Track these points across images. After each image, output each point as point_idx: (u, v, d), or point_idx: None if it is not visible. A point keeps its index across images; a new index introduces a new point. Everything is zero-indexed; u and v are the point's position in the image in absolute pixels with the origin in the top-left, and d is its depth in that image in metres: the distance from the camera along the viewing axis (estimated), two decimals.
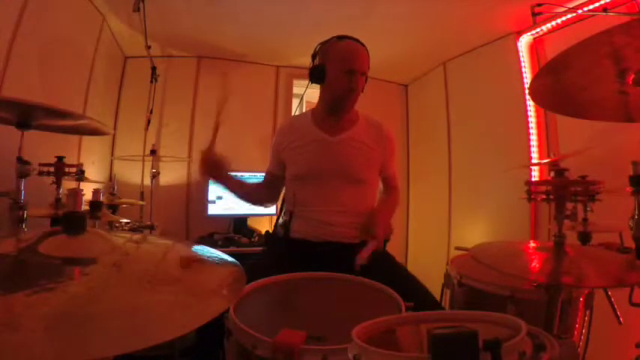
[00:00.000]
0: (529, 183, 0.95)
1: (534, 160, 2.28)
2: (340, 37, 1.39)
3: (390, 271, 1.26)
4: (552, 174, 0.91)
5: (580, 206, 1.39)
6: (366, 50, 1.39)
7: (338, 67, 1.35)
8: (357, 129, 1.41)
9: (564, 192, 0.88)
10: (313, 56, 1.42)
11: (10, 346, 0.40)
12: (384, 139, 1.43)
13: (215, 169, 1.39)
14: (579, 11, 1.88)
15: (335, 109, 1.41)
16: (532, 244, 1.11)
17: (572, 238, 1.20)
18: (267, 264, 1.29)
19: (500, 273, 0.83)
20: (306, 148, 1.40)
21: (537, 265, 0.91)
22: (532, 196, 0.93)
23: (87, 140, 2.29)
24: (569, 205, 0.92)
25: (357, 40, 1.39)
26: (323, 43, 1.41)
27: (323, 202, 1.35)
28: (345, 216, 1.34)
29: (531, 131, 2.31)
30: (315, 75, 1.39)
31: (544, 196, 0.90)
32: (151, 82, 2.61)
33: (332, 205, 1.34)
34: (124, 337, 0.45)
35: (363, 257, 1.04)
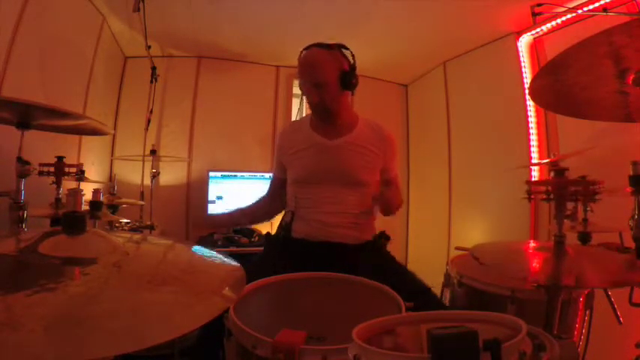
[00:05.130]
0: (529, 183, 0.95)
1: (534, 160, 2.28)
2: (306, 47, 1.35)
3: (392, 271, 1.26)
4: (552, 174, 0.91)
5: (580, 206, 1.39)
6: (330, 54, 1.32)
7: (301, 81, 1.35)
8: (356, 133, 1.40)
9: (564, 192, 0.88)
10: None
11: (10, 346, 0.39)
12: (384, 141, 1.41)
13: (211, 226, 1.47)
14: (579, 11, 1.88)
15: (320, 119, 1.41)
16: (532, 244, 1.11)
17: (572, 238, 1.20)
18: (267, 264, 1.30)
19: (500, 273, 0.83)
20: (305, 152, 1.40)
21: (537, 266, 0.91)
22: (532, 196, 0.93)
23: (87, 140, 2.29)
24: (570, 205, 0.92)
25: (324, 45, 1.33)
26: (300, 55, 1.37)
27: (323, 203, 1.35)
28: (345, 217, 1.34)
29: (531, 131, 2.31)
30: (300, 88, 1.40)
31: (544, 196, 0.90)
32: (151, 82, 2.60)
33: (332, 207, 1.34)
34: (124, 337, 0.45)
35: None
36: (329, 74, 1.31)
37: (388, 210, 1.33)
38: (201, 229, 1.45)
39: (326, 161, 1.36)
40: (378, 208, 1.41)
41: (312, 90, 1.31)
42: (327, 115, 1.38)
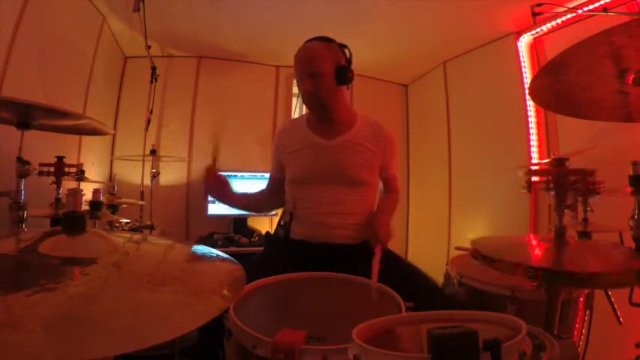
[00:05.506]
0: (529, 172, 0.94)
1: (534, 160, 2.28)
2: (305, 42, 1.36)
3: (393, 270, 1.26)
4: (552, 163, 0.90)
5: (580, 206, 1.39)
6: (327, 46, 1.33)
7: (295, 74, 1.34)
8: (354, 131, 1.38)
9: (564, 181, 0.88)
10: None
11: (10, 346, 0.39)
12: (383, 139, 1.39)
13: (218, 188, 1.41)
14: (579, 11, 1.88)
15: (314, 115, 1.40)
16: (533, 239, 1.11)
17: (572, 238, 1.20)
18: (267, 265, 1.29)
19: (502, 264, 0.82)
20: (302, 152, 1.39)
21: (540, 254, 0.91)
22: (532, 186, 0.92)
23: (87, 140, 2.29)
24: (570, 199, 0.92)
25: (321, 39, 1.35)
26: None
27: (322, 204, 1.34)
28: (344, 217, 1.33)
29: (531, 131, 2.31)
30: (297, 85, 1.40)
31: (544, 186, 0.89)
32: (151, 82, 2.60)
33: (331, 207, 1.33)
34: (124, 337, 0.45)
35: (375, 281, 1.02)
36: (325, 65, 1.30)
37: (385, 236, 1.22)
38: (215, 193, 1.42)
39: (323, 161, 1.35)
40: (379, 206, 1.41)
41: (307, 79, 1.29)
42: (322, 110, 1.35)
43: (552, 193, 0.90)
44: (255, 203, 1.59)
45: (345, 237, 1.32)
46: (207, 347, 0.98)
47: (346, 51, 1.37)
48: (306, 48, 1.34)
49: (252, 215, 3.01)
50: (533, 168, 2.28)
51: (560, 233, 0.89)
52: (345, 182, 1.34)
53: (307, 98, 1.34)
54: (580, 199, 0.92)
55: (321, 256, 1.26)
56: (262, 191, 1.57)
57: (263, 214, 2.97)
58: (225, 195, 1.43)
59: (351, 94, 1.43)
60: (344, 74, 1.33)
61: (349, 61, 1.36)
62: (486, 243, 0.98)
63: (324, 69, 1.30)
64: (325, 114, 1.37)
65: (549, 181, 0.89)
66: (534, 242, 1.03)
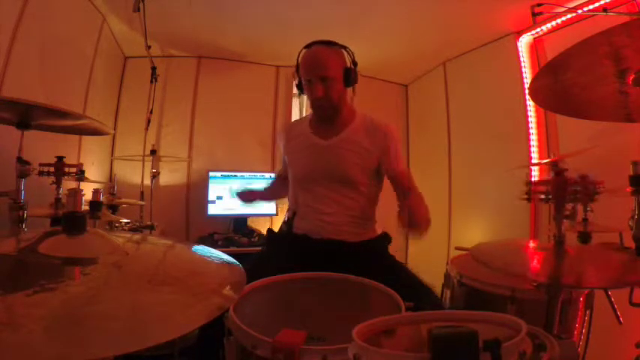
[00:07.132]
0: (529, 183, 0.95)
1: (534, 160, 2.28)
2: (307, 46, 1.37)
3: (393, 272, 1.26)
4: (552, 174, 0.91)
5: (580, 206, 1.39)
6: (334, 50, 1.36)
7: (303, 78, 1.36)
8: (350, 130, 1.39)
9: (563, 192, 0.88)
10: (296, 67, 1.40)
11: (10, 346, 0.39)
12: (381, 137, 1.38)
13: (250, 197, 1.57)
14: (579, 11, 1.88)
15: (320, 117, 1.42)
16: (532, 244, 1.11)
17: (572, 238, 1.20)
18: (269, 260, 1.32)
19: (500, 273, 0.82)
20: (302, 153, 1.43)
21: (537, 265, 0.91)
22: (532, 196, 0.93)
23: (87, 140, 2.29)
24: (569, 206, 0.92)
25: (326, 42, 1.36)
26: (299, 54, 1.39)
27: (322, 202, 1.37)
28: (343, 216, 1.36)
29: (531, 131, 2.31)
30: (298, 87, 1.43)
31: (543, 196, 0.90)
32: (151, 82, 2.60)
33: (329, 206, 1.36)
34: (124, 337, 0.45)
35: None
36: (335, 69, 1.33)
37: (413, 221, 1.23)
38: (245, 199, 1.58)
39: (320, 161, 1.38)
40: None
41: (318, 84, 1.31)
42: (331, 111, 1.38)
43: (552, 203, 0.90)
44: (278, 191, 1.65)
45: (344, 233, 1.34)
46: (207, 347, 0.98)
47: (349, 53, 1.39)
48: (316, 52, 1.35)
49: (252, 215, 3.01)
50: (533, 173, 2.28)
51: (559, 242, 0.90)
52: (340, 181, 1.37)
53: (318, 102, 1.35)
54: (580, 199, 0.92)
55: (322, 251, 1.28)
56: (279, 178, 1.63)
57: (262, 212, 2.97)
58: (256, 197, 1.59)
59: (352, 95, 1.44)
60: (352, 76, 1.36)
61: (355, 63, 1.39)
62: (485, 250, 0.98)
63: (335, 73, 1.33)
64: (331, 113, 1.39)
65: (548, 192, 0.89)
66: (533, 250, 1.03)
